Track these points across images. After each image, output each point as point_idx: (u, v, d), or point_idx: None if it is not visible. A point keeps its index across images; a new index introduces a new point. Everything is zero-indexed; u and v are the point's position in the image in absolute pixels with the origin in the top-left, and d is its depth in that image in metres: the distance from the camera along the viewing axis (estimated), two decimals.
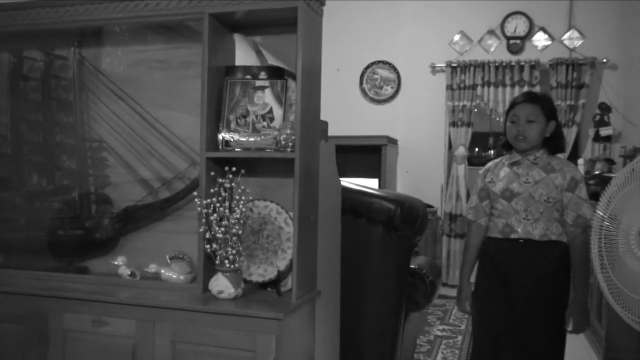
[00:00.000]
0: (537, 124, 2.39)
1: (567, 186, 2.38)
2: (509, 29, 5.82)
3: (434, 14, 6.04)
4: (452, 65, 5.86)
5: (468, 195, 6.97)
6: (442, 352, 3.99)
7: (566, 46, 5.69)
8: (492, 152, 9.41)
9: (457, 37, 5.96)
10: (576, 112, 5.56)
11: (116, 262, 2.20)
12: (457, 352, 4.00)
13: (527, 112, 2.40)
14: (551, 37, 5.74)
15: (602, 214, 1.89)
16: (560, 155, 2.53)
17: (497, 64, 5.72)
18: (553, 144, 2.46)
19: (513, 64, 5.69)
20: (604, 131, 5.37)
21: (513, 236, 2.43)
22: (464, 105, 5.81)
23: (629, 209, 1.79)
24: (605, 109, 5.44)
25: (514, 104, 2.47)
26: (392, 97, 6.21)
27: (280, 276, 2.05)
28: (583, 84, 5.53)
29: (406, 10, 6.11)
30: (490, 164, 2.60)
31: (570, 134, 5.57)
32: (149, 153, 2.34)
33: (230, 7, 2.01)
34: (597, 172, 4.95)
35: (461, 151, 5.88)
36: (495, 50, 5.88)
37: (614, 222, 1.84)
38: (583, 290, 2.42)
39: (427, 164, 6.10)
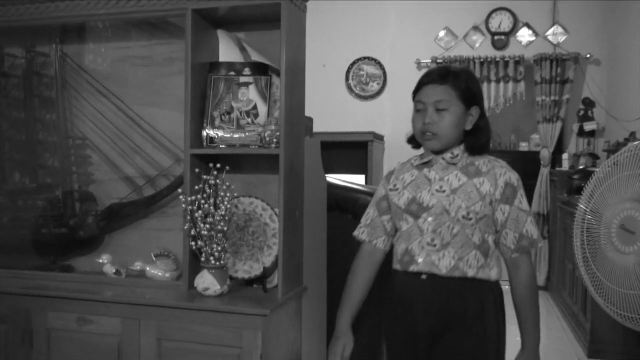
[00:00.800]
0: (450, 114, 1.69)
1: (501, 195, 1.68)
2: (494, 24, 5.85)
3: (419, 10, 6.05)
4: (438, 61, 5.88)
5: None
6: None
7: (550, 42, 5.73)
8: None
9: (442, 33, 5.98)
10: (560, 107, 5.60)
11: (101, 260, 2.19)
12: None
13: (435, 96, 1.70)
14: (535, 32, 5.78)
15: (584, 207, 1.90)
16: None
17: (482, 60, 5.75)
18: (474, 140, 1.74)
19: (498, 59, 5.72)
20: (588, 126, 5.42)
21: (412, 269, 1.71)
22: None
23: (610, 202, 1.81)
24: (589, 104, 5.49)
25: (419, 86, 1.77)
26: (378, 93, 6.22)
27: (266, 272, 2.05)
28: (567, 79, 5.58)
29: (391, 6, 6.11)
30: (397, 165, 1.91)
31: (554, 129, 5.62)
32: (133, 150, 2.33)
33: (213, 3, 2.01)
34: (581, 167, 5.00)
35: None
36: (480, 46, 5.91)
37: (596, 215, 1.86)
38: (536, 338, 1.76)
39: None
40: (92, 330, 1.98)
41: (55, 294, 2.03)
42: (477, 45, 5.92)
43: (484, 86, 5.75)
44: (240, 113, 2.08)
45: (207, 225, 1.92)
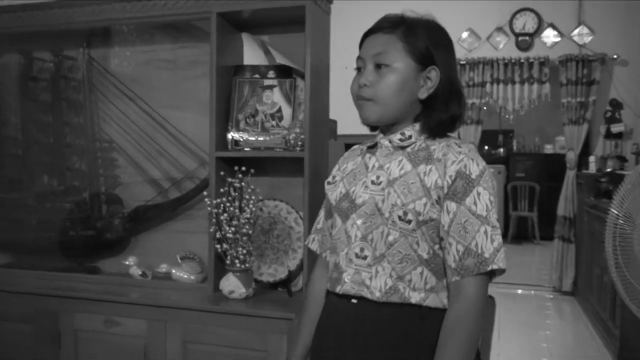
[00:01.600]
0: (392, 72, 1.26)
1: (449, 188, 1.21)
2: (518, 25, 5.78)
3: (441, 11, 5.91)
4: (461, 62, 5.82)
5: None
6: None
7: (576, 42, 5.64)
8: (501, 150, 9.38)
9: (465, 35, 5.93)
10: (587, 109, 5.50)
11: (127, 262, 2.21)
12: None
13: (375, 48, 1.29)
14: (560, 33, 5.70)
15: (616, 212, 1.86)
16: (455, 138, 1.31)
17: (506, 61, 5.68)
18: (429, 115, 1.29)
19: (522, 60, 5.64)
20: (615, 128, 5.31)
21: (338, 289, 1.29)
22: (473, 103, 5.77)
23: None
24: (616, 105, 5.38)
25: (362, 38, 1.37)
26: None
27: (291, 276, 2.04)
28: (593, 80, 5.48)
29: (414, 7, 6.06)
30: (347, 151, 1.50)
31: (580, 132, 5.51)
32: (158, 153, 2.34)
33: (237, 6, 2.01)
34: (608, 170, 4.90)
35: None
36: (504, 47, 5.84)
37: (629, 220, 1.81)
38: None
39: None
40: (119, 332, 1.99)
41: (82, 295, 2.05)
42: (501, 46, 5.85)
43: (508, 88, 5.68)
44: (265, 116, 2.08)
45: (233, 228, 1.92)
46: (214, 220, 1.96)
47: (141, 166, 2.37)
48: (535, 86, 5.62)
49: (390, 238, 1.22)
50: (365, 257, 1.25)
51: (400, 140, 1.29)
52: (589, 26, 5.61)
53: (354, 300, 1.26)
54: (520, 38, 5.77)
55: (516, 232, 8.30)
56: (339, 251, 1.30)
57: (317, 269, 1.48)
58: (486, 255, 1.17)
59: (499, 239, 1.20)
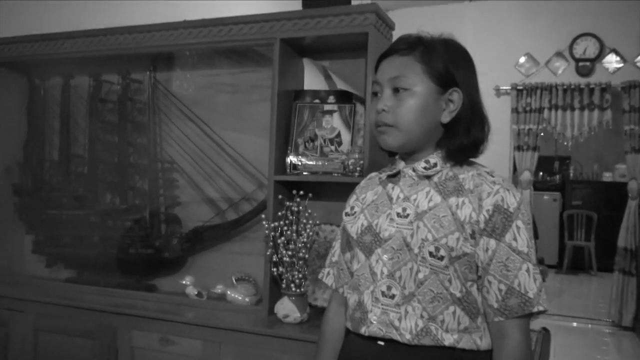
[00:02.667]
0: (412, 96, 1.20)
1: (486, 223, 1.15)
2: (578, 50, 5.64)
3: (498, 36, 5.93)
4: (518, 87, 5.71)
5: (534, 225, 6.69)
6: None
7: (639, 68, 5.45)
8: (557, 177, 9.11)
9: (522, 59, 5.82)
10: None
11: (184, 282, 2.24)
12: None
13: (392, 71, 1.22)
14: (623, 59, 5.52)
15: None
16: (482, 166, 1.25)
17: (565, 87, 5.54)
18: (452, 140, 1.23)
19: (582, 86, 5.49)
20: None
21: (364, 331, 1.21)
22: (529, 129, 5.64)
23: None
24: None
25: (377, 62, 1.29)
26: None
27: None
28: None
29: (469, 31, 6.03)
30: (364, 179, 1.45)
31: None
32: (217, 174, 2.39)
33: (301, 33, 2.04)
34: None
35: (526, 176, 5.71)
36: (563, 73, 5.70)
37: None
38: None
39: None
40: (174, 350, 2.02)
41: (140, 313, 2.09)
42: (559, 71, 5.72)
43: (567, 114, 5.53)
44: (324, 141, 2.08)
45: (289, 252, 1.92)
46: (270, 243, 1.97)
47: (200, 187, 2.42)
48: (595, 113, 5.45)
49: (421, 276, 1.15)
50: (392, 296, 1.17)
51: (425, 168, 1.23)
52: None
53: (381, 343, 1.18)
54: (580, 63, 5.63)
55: (572, 263, 8.00)
56: (362, 289, 1.22)
57: (332, 305, 1.41)
58: (530, 295, 1.12)
59: (539, 277, 1.15)
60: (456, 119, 1.21)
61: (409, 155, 1.26)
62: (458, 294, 1.14)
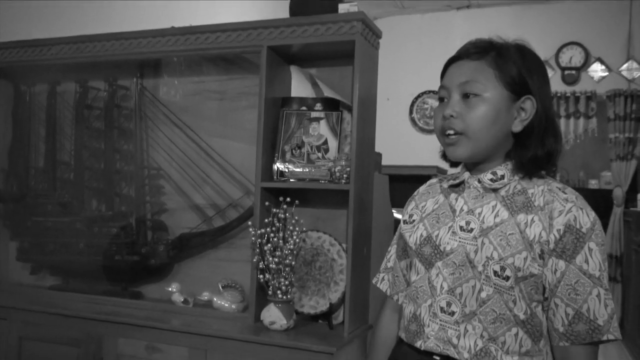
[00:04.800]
0: (483, 102, 1.14)
1: (556, 244, 1.09)
2: (564, 59, 5.70)
3: None
4: None
5: None
6: None
7: (624, 77, 5.52)
8: None
9: None
10: (635, 145, 5.36)
11: (170, 289, 2.23)
12: None
13: (462, 76, 1.17)
14: (608, 68, 5.60)
15: None
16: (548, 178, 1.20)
17: (551, 95, 5.59)
18: (530, 150, 1.17)
19: (568, 95, 5.56)
20: None
21: (419, 345, 1.19)
22: None
23: None
24: None
25: (445, 66, 1.25)
26: None
27: (332, 309, 2.03)
28: None
29: (457, 40, 6.07)
30: (423, 186, 1.38)
31: (629, 168, 5.36)
32: (203, 181, 2.38)
33: (288, 40, 2.05)
34: None
35: None
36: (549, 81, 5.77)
37: None
38: None
39: None
40: (160, 358, 2.00)
41: (125, 320, 2.08)
42: None
43: None
44: (311, 148, 2.09)
45: (276, 259, 1.92)
46: (257, 250, 1.97)
47: (187, 194, 2.41)
48: (581, 121, 5.52)
49: (483, 295, 1.10)
50: (452, 313, 1.13)
51: (492, 180, 1.17)
52: (639, 61, 5.50)
53: (436, 358, 1.15)
54: (566, 72, 5.70)
55: None
56: (420, 302, 1.19)
57: (387, 311, 1.40)
58: (600, 322, 1.07)
59: (612, 304, 1.08)
60: (528, 128, 1.15)
61: (474, 165, 1.21)
62: (522, 316, 1.10)
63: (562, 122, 5.55)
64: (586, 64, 5.66)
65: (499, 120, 1.14)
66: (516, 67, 1.15)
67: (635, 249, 4.66)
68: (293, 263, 1.95)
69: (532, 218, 1.11)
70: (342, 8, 2.02)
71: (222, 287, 2.18)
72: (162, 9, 3.53)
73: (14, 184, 2.60)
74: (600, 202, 7.60)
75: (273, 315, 1.93)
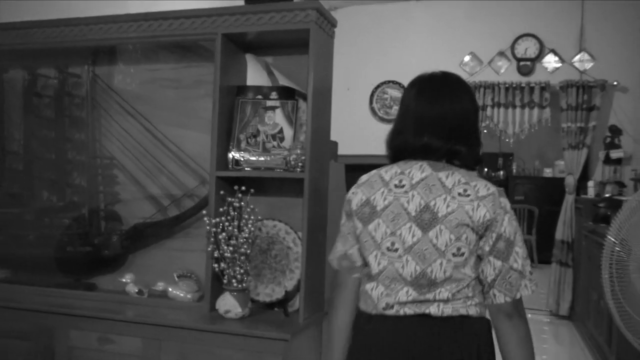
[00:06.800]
0: None
1: None
2: (520, 50, 5.82)
3: (444, 35, 6.06)
4: None
5: None
6: None
7: (577, 68, 5.68)
8: (501, 172, 9.39)
9: (467, 58, 5.98)
10: (586, 134, 5.53)
11: (124, 280, 2.21)
12: None
13: None
14: (561, 59, 5.74)
15: (613, 239, 1.86)
16: None
17: (507, 85, 5.72)
18: None
19: (523, 85, 5.68)
20: (615, 154, 5.33)
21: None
22: None
23: None
24: (615, 131, 5.41)
25: None
26: None
27: (288, 296, 2.04)
28: (593, 106, 5.51)
29: (416, 31, 6.14)
30: None
31: (580, 156, 5.53)
32: (158, 171, 2.35)
33: (243, 28, 2.04)
34: (607, 195, 4.91)
35: None
36: (505, 72, 5.88)
37: (625, 247, 1.82)
38: None
39: None
40: (114, 350, 1.98)
41: (78, 312, 2.05)
42: (502, 70, 5.89)
43: (509, 111, 5.71)
44: (267, 136, 2.09)
45: (231, 248, 1.92)
46: (212, 239, 1.97)
47: (141, 183, 2.38)
48: (535, 111, 5.65)
49: None
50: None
51: None
52: (590, 53, 5.66)
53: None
54: (521, 63, 5.82)
55: None
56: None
57: None
58: None
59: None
60: None
61: None
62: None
63: (517, 112, 5.68)
64: (540, 55, 5.79)
65: None
66: None
67: (586, 234, 4.83)
68: (248, 252, 1.95)
69: None
70: None
71: (178, 277, 2.17)
72: None
73: None
74: (554, 189, 7.84)
75: (228, 304, 1.93)
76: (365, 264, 1.46)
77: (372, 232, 1.43)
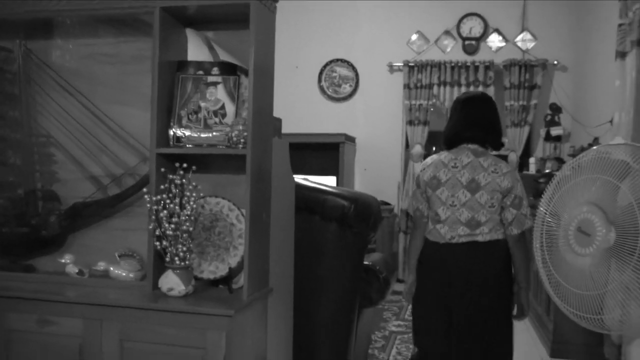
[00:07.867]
0: None
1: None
2: (465, 29, 5.93)
3: (391, 14, 6.10)
4: (410, 64, 5.93)
5: None
6: (397, 347, 4.05)
7: (519, 48, 5.83)
8: None
9: (414, 37, 6.04)
10: (528, 112, 5.71)
11: (63, 260, 2.16)
12: (411, 346, 4.06)
13: None
14: (505, 38, 5.88)
15: (544, 210, 1.95)
16: None
17: (452, 64, 5.82)
18: None
19: (468, 64, 5.80)
20: (555, 131, 5.53)
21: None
22: (420, 104, 5.89)
23: (569, 205, 1.86)
24: (555, 109, 5.60)
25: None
26: (350, 95, 6.25)
27: (232, 273, 2.04)
28: (535, 85, 5.69)
29: (364, 9, 6.15)
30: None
31: (522, 134, 5.72)
32: (98, 149, 2.29)
33: (182, 2, 1.99)
34: (547, 171, 5.10)
35: (417, 149, 5.97)
36: (451, 51, 5.99)
37: (555, 217, 1.90)
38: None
39: (385, 161, 6.17)
40: (53, 331, 1.95)
41: (15, 294, 1.99)
42: (448, 49, 5.99)
43: (455, 90, 5.83)
44: (208, 113, 2.07)
45: (172, 226, 1.90)
46: (153, 217, 1.94)
47: (80, 162, 2.32)
48: (480, 89, 5.78)
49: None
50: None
51: None
52: (532, 32, 5.81)
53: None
54: (467, 42, 5.93)
55: None
56: None
57: None
58: None
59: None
60: None
61: None
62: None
63: (462, 90, 5.80)
64: (485, 34, 5.92)
65: None
66: None
67: None
68: (191, 229, 1.94)
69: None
70: None
71: (119, 256, 2.14)
72: None
73: None
74: None
75: (171, 282, 1.92)
76: (427, 215, 2.54)
77: (439, 195, 2.45)
